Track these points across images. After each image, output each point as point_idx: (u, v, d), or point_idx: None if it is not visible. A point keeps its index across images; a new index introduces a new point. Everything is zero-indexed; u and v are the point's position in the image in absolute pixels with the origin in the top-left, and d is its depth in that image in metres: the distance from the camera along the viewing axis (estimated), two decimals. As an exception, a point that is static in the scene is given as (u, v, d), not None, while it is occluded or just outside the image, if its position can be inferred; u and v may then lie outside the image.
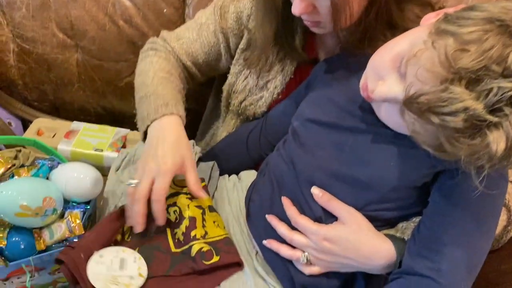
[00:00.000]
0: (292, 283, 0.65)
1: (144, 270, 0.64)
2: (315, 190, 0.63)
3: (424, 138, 0.52)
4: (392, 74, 0.55)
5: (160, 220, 0.66)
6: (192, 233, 0.66)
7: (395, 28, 0.69)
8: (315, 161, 0.64)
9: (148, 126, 0.72)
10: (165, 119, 0.72)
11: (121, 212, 0.70)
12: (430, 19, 0.57)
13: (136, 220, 0.65)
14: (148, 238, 0.68)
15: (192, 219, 0.68)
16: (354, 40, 0.72)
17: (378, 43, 0.63)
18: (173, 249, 0.67)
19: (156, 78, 0.79)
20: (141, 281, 0.63)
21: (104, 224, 0.69)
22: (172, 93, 0.77)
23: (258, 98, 0.85)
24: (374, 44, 0.68)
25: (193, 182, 0.69)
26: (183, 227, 0.68)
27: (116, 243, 0.68)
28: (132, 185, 0.67)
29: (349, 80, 0.69)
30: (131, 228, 0.70)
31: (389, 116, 0.58)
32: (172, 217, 0.70)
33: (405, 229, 0.62)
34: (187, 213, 0.69)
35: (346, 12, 0.63)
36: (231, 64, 0.88)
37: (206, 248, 0.65)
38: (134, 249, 0.67)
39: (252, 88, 0.85)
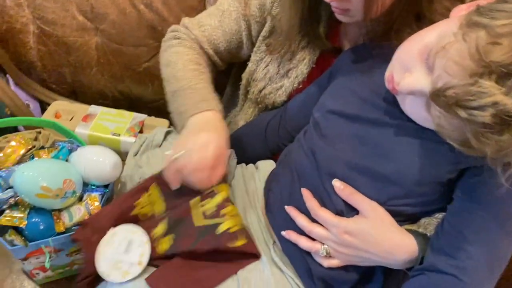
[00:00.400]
0: (309, 275, 0.65)
1: (146, 257, 0.64)
2: (337, 183, 0.62)
3: (450, 133, 0.51)
4: (420, 66, 0.54)
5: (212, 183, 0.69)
6: (222, 211, 0.66)
7: (422, 21, 0.68)
8: (337, 154, 0.64)
9: (187, 120, 0.73)
10: (206, 113, 0.72)
11: (138, 189, 0.71)
12: (461, 11, 0.55)
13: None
14: (177, 211, 0.69)
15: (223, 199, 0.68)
16: (380, 31, 0.71)
17: (404, 35, 0.62)
18: (199, 223, 0.67)
19: (187, 71, 0.79)
20: (138, 270, 0.63)
21: (122, 200, 0.70)
22: (206, 87, 0.78)
23: (278, 87, 0.84)
24: (400, 35, 0.67)
25: (216, 178, 0.69)
26: (214, 202, 0.68)
27: (147, 218, 0.69)
28: (178, 156, 0.66)
29: (373, 71, 0.68)
30: (164, 202, 0.70)
31: (414, 110, 0.57)
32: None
33: (428, 224, 0.61)
34: (218, 189, 0.69)
35: (378, 2, 0.61)
36: (252, 51, 0.87)
37: (234, 229, 0.64)
38: (162, 221, 0.68)
39: (273, 76, 0.84)
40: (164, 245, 0.65)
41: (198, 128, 0.70)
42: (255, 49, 0.86)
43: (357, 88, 0.68)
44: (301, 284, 0.66)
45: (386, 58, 0.68)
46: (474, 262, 0.56)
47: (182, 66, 0.80)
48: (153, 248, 0.66)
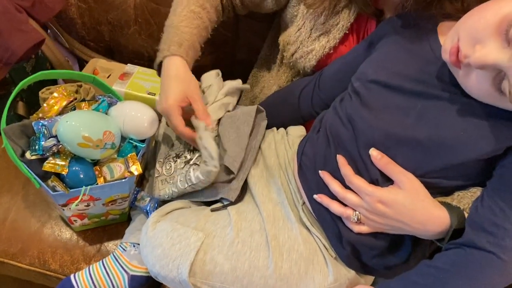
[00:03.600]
0: (339, 239, 0.66)
1: None
2: (374, 152, 0.61)
3: None
4: (495, 38, 0.51)
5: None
6: None
7: None
8: (378, 123, 0.63)
9: (161, 62, 0.78)
10: (173, 59, 0.76)
11: None
12: None
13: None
14: None
15: None
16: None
17: (445, 4, 0.61)
18: None
19: (185, 10, 0.80)
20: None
21: None
22: (192, 33, 0.79)
23: (308, 50, 0.83)
24: (441, 5, 0.64)
25: (199, 111, 0.74)
26: None
27: None
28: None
29: (417, 43, 0.66)
30: None
31: (480, 84, 0.54)
32: None
33: (461, 198, 0.60)
34: None
35: None
36: (275, 6, 0.87)
37: None
38: None
39: (304, 40, 0.83)
40: None
41: (165, 74, 0.76)
42: (294, 12, 0.84)
43: (401, 59, 0.66)
44: (328, 244, 0.67)
45: (430, 29, 0.66)
46: None
47: (186, 2, 0.81)
48: None
